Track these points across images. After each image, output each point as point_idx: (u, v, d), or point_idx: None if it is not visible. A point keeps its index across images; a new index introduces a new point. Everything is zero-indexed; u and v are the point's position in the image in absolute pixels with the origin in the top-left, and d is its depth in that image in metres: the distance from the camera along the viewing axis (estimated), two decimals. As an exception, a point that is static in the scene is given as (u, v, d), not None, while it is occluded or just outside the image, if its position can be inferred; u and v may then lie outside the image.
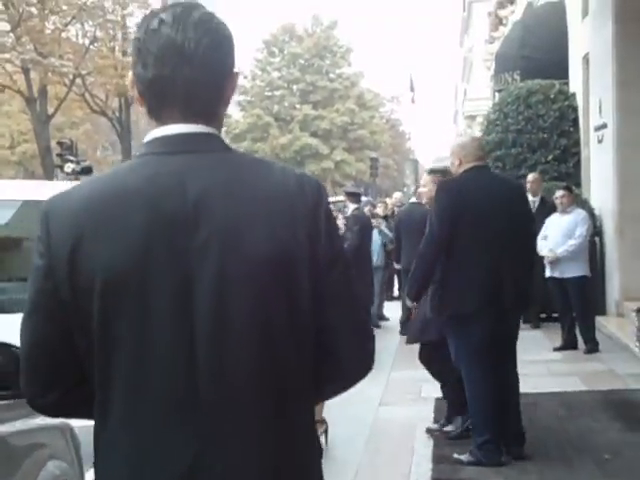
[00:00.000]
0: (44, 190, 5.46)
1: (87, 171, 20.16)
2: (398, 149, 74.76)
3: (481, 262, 5.79)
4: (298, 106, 57.26)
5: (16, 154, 44.39)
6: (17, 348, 3.23)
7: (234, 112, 61.86)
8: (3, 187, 5.49)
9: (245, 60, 56.68)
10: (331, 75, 58.61)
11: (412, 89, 59.13)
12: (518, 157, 15.22)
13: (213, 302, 1.68)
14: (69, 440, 4.00)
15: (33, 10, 21.85)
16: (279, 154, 55.17)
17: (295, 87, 58.65)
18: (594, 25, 13.29)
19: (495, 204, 5.87)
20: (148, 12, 1.88)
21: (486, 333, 5.76)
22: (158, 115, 1.79)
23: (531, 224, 6.47)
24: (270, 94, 58.82)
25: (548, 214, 10.75)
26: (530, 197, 12.00)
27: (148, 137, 1.80)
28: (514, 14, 26.30)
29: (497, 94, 19.45)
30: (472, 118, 59.69)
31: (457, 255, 5.81)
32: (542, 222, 10.71)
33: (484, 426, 5.83)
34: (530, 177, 12.30)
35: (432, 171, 7.55)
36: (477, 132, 53.76)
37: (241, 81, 59.58)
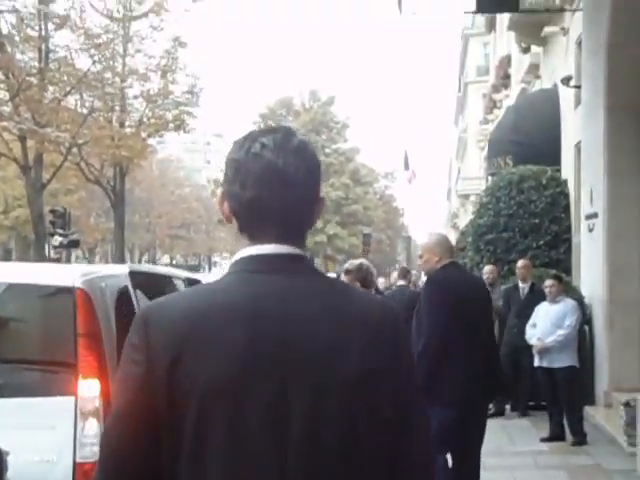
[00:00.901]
0: (28, 273, 5.44)
1: (74, 244, 20.16)
2: (391, 224, 75.21)
3: (457, 354, 5.87)
4: (293, 180, 57.52)
5: (9, 219, 44.48)
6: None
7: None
8: None
9: (242, 132, 57.16)
10: (327, 150, 59.12)
11: (407, 167, 59.58)
12: (509, 241, 15.29)
13: (306, 424, 1.73)
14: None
15: (33, 80, 22.03)
16: (272, 226, 55.32)
17: (290, 161, 59.00)
18: (586, 114, 13.46)
19: (469, 299, 6.06)
20: (245, 134, 1.95)
21: (455, 424, 5.76)
22: (252, 234, 1.86)
23: (491, 320, 6.74)
24: (265, 167, 59.16)
25: (537, 301, 10.74)
26: (520, 283, 12.06)
27: (242, 254, 1.86)
28: (508, 98, 26.66)
29: (490, 177, 19.61)
30: (465, 197, 60.18)
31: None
32: (531, 309, 10.77)
33: None
34: (520, 263, 12.31)
35: (347, 271, 7.54)
36: (470, 211, 54.12)
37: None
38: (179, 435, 1.71)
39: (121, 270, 5.74)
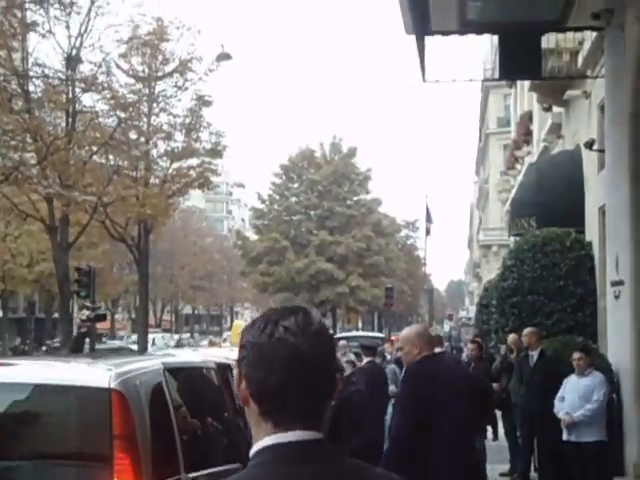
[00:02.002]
0: (64, 373, 5.51)
1: (101, 318, 20.35)
2: (413, 274, 75.05)
3: (439, 448, 5.88)
4: (315, 231, 57.71)
5: (34, 273, 44.77)
6: None
7: (251, 235, 62.49)
8: (18, 371, 5.52)
9: (263, 184, 57.51)
10: (348, 202, 59.20)
11: (429, 220, 59.56)
12: (534, 305, 15.23)
13: None
14: None
15: (59, 142, 22.33)
16: (294, 278, 55.40)
17: (312, 212, 59.24)
18: (610, 180, 13.48)
19: (451, 392, 6.05)
20: (264, 318, 1.93)
21: None
22: (276, 421, 1.83)
23: (481, 411, 6.92)
24: (288, 219, 59.39)
25: (547, 368, 11.09)
26: (529, 351, 12.15)
27: (265, 442, 1.83)
28: (530, 155, 26.73)
29: (513, 239, 19.62)
30: (487, 247, 60.04)
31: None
32: (539, 375, 11.29)
33: None
34: (525, 331, 12.41)
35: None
36: (492, 262, 53.94)
37: (258, 205, 60.40)
38: None
39: (156, 365, 5.79)
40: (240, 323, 62.74)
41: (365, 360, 12.66)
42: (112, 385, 5.06)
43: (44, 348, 39.66)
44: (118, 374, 5.21)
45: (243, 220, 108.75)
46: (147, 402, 5.29)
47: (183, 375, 6.38)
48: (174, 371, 5.99)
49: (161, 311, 79.17)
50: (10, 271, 44.44)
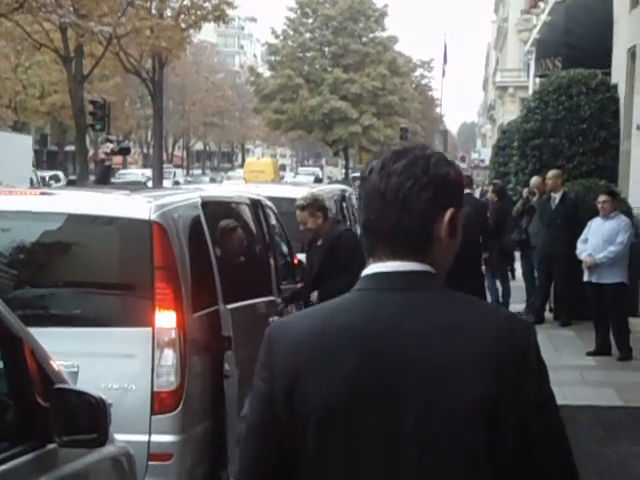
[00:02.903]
0: (105, 204, 5.50)
1: (126, 152, 20.25)
2: (427, 115, 74.39)
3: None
4: (329, 69, 56.77)
5: (46, 105, 44.46)
6: (92, 396, 3.32)
7: (264, 71, 61.60)
8: (58, 200, 5.50)
9: (278, 19, 56.30)
10: (364, 39, 58.01)
11: (445, 61, 58.51)
12: (556, 147, 15.09)
13: (420, 445, 1.76)
14: (126, 464, 4.08)
15: (73, -31, 21.74)
16: (308, 116, 54.93)
17: (327, 49, 58.14)
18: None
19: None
20: None
21: None
22: (372, 252, 1.91)
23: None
24: (301, 55, 58.36)
25: (568, 211, 11.48)
26: (551, 193, 12.16)
27: (366, 271, 1.90)
28: (556, -7, 25.92)
29: (537, 80, 19.27)
30: (503, 89, 59.32)
31: None
32: (561, 218, 11.60)
33: None
34: (550, 173, 12.42)
35: (302, 207, 7.29)
36: (508, 104, 53.36)
37: (272, 40, 59.25)
38: (300, 452, 1.82)
39: (193, 199, 5.78)
40: (253, 161, 62.84)
41: None
42: (152, 217, 5.05)
43: (62, 181, 39.62)
44: (158, 206, 5.20)
45: (255, 56, 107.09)
46: (186, 234, 5.29)
47: (220, 209, 6.39)
48: (211, 205, 5.99)
49: (172, 147, 79.02)
50: (22, 102, 44.14)
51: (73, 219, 5.31)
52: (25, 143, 30.61)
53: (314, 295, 6.92)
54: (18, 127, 47.21)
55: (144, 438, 4.90)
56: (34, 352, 3.33)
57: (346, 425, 1.78)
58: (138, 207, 5.21)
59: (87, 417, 3.27)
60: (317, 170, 68.97)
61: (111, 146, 14.25)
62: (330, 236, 7.13)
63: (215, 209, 6.16)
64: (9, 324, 3.25)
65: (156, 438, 4.94)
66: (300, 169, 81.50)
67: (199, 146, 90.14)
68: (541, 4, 30.43)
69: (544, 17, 25.38)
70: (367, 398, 1.77)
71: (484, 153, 63.89)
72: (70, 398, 3.29)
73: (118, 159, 45.27)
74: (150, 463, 4.92)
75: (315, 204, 7.17)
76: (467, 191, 13.01)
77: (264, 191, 9.04)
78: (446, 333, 1.79)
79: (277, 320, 1.96)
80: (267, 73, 60.19)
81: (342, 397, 1.77)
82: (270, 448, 1.85)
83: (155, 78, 29.81)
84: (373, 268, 1.89)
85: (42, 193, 5.64)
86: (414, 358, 1.78)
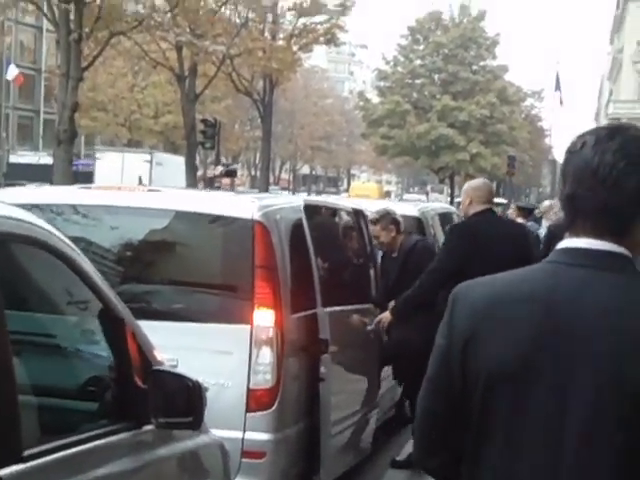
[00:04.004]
0: (209, 203, 5.60)
1: (232, 174, 20.69)
2: (535, 145, 73.40)
3: None
4: (438, 96, 56.66)
5: (159, 124, 45.57)
6: (189, 379, 3.36)
7: (373, 97, 61.85)
8: (164, 198, 5.62)
9: (389, 47, 56.56)
10: (474, 67, 57.75)
11: (558, 88, 57.69)
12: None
13: (585, 413, 1.79)
14: (220, 457, 4.11)
15: (190, -10, 22.30)
16: (415, 142, 54.88)
17: (436, 76, 58.10)
18: None
19: (501, 247, 6.17)
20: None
21: None
22: (571, 228, 1.91)
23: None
24: (411, 82, 58.43)
25: None
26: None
27: (560, 245, 1.93)
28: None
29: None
30: (616, 121, 58.12)
31: None
32: None
33: None
34: None
35: (376, 221, 7.43)
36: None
37: (382, 66, 59.51)
38: (469, 406, 1.89)
39: (296, 202, 5.83)
40: (358, 185, 63.01)
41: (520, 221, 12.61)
42: (255, 217, 5.10)
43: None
44: (262, 206, 5.26)
45: (364, 82, 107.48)
46: (288, 236, 5.33)
47: (322, 214, 6.43)
48: (314, 209, 6.03)
49: (279, 170, 79.93)
50: (136, 122, 45.33)
51: (178, 216, 5.41)
52: (178, 162, 31.55)
53: (391, 304, 6.93)
54: (132, 145, 48.55)
55: (238, 435, 4.92)
56: (135, 334, 3.39)
57: (513, 390, 1.82)
58: (242, 206, 5.28)
59: (183, 400, 3.30)
60: (422, 197, 68.79)
61: (220, 169, 14.59)
62: (404, 247, 7.20)
63: (318, 213, 6.20)
64: (113, 305, 3.32)
65: (250, 436, 4.96)
66: (405, 195, 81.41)
67: (306, 170, 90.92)
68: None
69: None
70: (536, 366, 1.81)
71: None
72: (168, 380, 3.33)
73: (226, 181, 46.06)
74: (243, 460, 4.94)
75: (387, 217, 7.24)
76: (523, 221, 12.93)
77: (369, 205, 9.06)
78: (628, 315, 1.80)
79: (464, 282, 1.99)
80: (376, 99, 60.43)
81: (512, 363, 1.82)
82: (443, 402, 1.94)
83: (265, 99, 30.25)
84: (567, 243, 1.90)
85: (150, 190, 5.78)
86: (589, 333, 1.79)
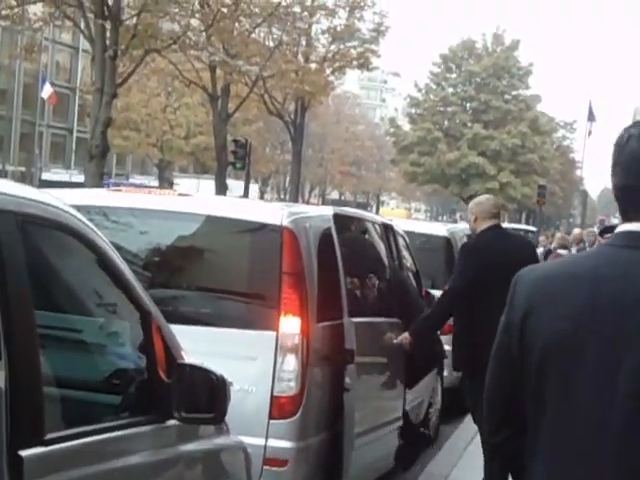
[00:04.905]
0: (239, 208, 5.60)
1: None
2: (566, 176, 73.06)
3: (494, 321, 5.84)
4: (469, 124, 56.67)
5: (190, 145, 45.84)
6: (213, 373, 3.33)
7: (404, 124, 61.95)
8: (194, 202, 5.63)
9: (421, 72, 56.70)
10: (506, 96, 57.71)
11: (591, 119, 57.45)
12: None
13: (633, 387, 1.90)
14: (243, 460, 4.07)
15: (225, 10, 22.47)
16: (445, 170, 54.84)
17: (468, 105, 58.11)
18: None
19: (511, 263, 6.06)
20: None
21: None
22: (624, 214, 2.06)
23: None
24: (442, 109, 58.47)
25: None
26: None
27: (616, 230, 2.08)
28: None
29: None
30: (648, 153, 57.65)
31: (476, 313, 6.08)
32: None
33: None
34: None
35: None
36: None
37: (414, 93, 59.63)
38: (527, 375, 2.04)
39: (326, 212, 5.81)
40: (387, 211, 62.99)
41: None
42: (284, 223, 5.08)
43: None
44: (290, 213, 5.25)
45: (396, 109, 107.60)
46: (316, 244, 5.31)
47: (352, 224, 6.41)
48: (344, 219, 6.01)
49: (309, 194, 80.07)
50: (168, 142, 45.61)
51: (207, 220, 5.40)
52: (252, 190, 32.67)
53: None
54: (163, 165, 48.85)
55: (261, 442, 4.88)
56: (161, 328, 3.38)
57: (566, 360, 1.97)
58: (271, 212, 5.27)
59: (207, 394, 3.28)
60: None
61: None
62: None
63: (347, 224, 6.18)
64: (140, 298, 3.31)
65: (273, 443, 4.92)
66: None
67: (335, 195, 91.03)
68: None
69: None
70: (587, 337, 1.94)
71: (625, 218, 61.97)
72: (192, 375, 3.31)
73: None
74: (265, 467, 4.90)
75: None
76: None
77: (400, 224, 9.06)
78: None
79: (526, 267, 2.18)
80: (407, 126, 60.51)
81: (564, 334, 1.97)
82: (506, 376, 2.12)
83: (297, 122, 30.36)
84: (622, 227, 2.04)
85: (179, 194, 5.78)
86: (636, 309, 1.92)
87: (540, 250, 18.83)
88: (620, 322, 1.92)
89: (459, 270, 6.38)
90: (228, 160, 26.40)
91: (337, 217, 5.77)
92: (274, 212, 5.26)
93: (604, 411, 1.92)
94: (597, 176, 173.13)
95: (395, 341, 6.54)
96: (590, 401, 1.94)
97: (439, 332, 7.09)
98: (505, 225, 32.92)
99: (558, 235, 19.52)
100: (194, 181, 40.36)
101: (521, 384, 2.07)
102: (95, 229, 3.09)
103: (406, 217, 54.50)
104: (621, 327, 1.92)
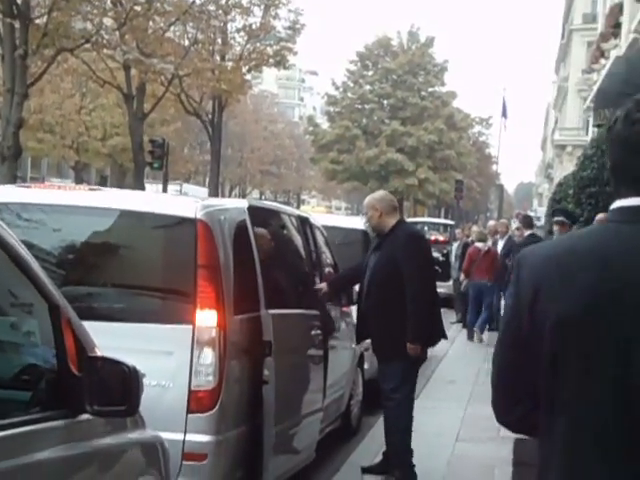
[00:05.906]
0: (152, 202, 5.53)
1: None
2: (483, 172, 74.22)
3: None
4: (387, 121, 57.15)
5: (107, 147, 45.14)
6: (125, 365, 3.28)
7: (322, 122, 62.13)
8: (105, 197, 5.54)
9: (338, 71, 56.88)
10: (423, 93, 58.34)
11: (504, 115, 58.45)
12: (613, 195, 14.91)
13: None
14: (160, 454, 4.03)
15: (138, 9, 22.21)
16: (364, 167, 55.18)
17: (385, 102, 58.59)
18: None
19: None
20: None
21: None
22: (618, 192, 2.12)
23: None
24: (360, 107, 58.83)
25: None
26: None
27: (611, 206, 2.14)
28: (617, 48, 25.85)
29: (595, 129, 19.15)
30: (562, 147, 58.93)
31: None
32: None
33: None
34: (598, 217, 12.24)
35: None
36: (566, 163, 53.08)
37: (331, 91, 59.84)
38: (540, 354, 2.06)
39: (241, 204, 5.78)
40: (307, 209, 63.08)
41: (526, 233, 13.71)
42: (198, 215, 5.05)
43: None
44: (204, 206, 5.21)
45: (314, 108, 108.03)
46: (231, 237, 5.27)
47: (267, 217, 6.38)
48: (258, 211, 5.98)
49: (229, 194, 79.69)
50: (84, 144, 44.81)
51: (120, 215, 5.32)
52: (202, 193, 32.20)
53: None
54: (79, 168, 48.01)
55: (179, 437, 4.84)
56: (71, 322, 3.32)
57: (578, 337, 1.99)
58: (185, 205, 5.22)
59: (119, 386, 3.24)
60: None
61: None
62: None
63: (263, 216, 6.15)
64: (48, 291, 3.24)
65: (191, 437, 4.88)
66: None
67: (255, 194, 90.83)
68: (602, 60, 30.34)
69: (604, 73, 25.28)
70: (599, 314, 1.97)
71: (540, 212, 63.35)
72: (103, 367, 3.26)
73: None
74: (184, 463, 4.86)
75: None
76: (529, 232, 13.49)
77: (317, 217, 9.08)
78: None
79: (528, 247, 2.21)
80: (325, 124, 60.71)
81: (576, 311, 1.99)
82: (516, 353, 2.14)
83: (214, 121, 30.17)
84: (618, 203, 2.09)
85: (91, 189, 5.68)
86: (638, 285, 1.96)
87: (456, 244, 19.29)
88: (631, 295, 1.96)
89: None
90: (145, 161, 26.08)
91: (252, 209, 5.74)
92: (188, 205, 5.22)
93: (619, 384, 1.95)
94: (512, 172, 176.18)
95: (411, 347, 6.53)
96: (605, 375, 1.97)
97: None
98: (424, 219, 33.65)
99: (475, 229, 19.87)
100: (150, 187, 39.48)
101: (535, 364, 2.08)
102: (1, 224, 3.02)
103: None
104: (634, 300, 1.95)
